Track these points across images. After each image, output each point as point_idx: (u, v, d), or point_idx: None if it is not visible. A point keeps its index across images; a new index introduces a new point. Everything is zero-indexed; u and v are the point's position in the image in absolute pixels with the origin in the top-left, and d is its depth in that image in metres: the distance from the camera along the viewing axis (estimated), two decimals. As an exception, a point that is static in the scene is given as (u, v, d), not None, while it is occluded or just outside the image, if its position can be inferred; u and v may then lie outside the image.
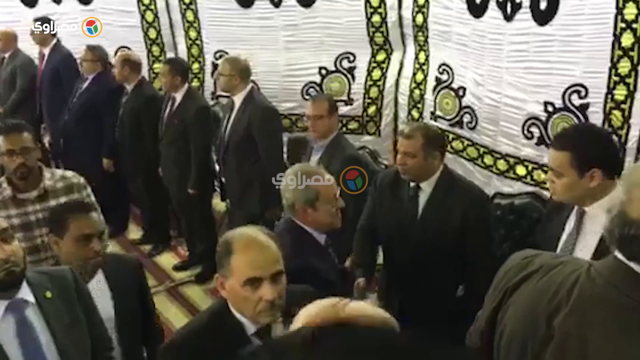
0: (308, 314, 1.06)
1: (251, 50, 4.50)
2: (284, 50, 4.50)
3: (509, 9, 3.39)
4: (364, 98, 4.46)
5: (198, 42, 4.83)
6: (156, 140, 4.26)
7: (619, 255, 1.13)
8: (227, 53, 4.65)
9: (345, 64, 4.43)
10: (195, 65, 4.90)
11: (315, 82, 4.52)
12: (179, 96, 4.11)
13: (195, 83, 4.87)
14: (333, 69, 4.46)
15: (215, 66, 4.78)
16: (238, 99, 3.75)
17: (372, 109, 4.43)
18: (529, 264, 1.37)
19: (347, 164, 3.00)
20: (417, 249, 2.52)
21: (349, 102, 4.49)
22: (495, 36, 3.54)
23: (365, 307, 1.04)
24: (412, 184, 2.66)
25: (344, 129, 4.47)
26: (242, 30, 4.56)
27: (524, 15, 3.32)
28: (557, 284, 1.26)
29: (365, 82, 4.43)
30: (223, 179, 3.99)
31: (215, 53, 4.78)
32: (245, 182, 3.77)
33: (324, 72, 4.48)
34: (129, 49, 4.76)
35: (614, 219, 1.12)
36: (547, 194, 3.00)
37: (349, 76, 4.45)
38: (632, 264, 1.10)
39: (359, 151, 3.90)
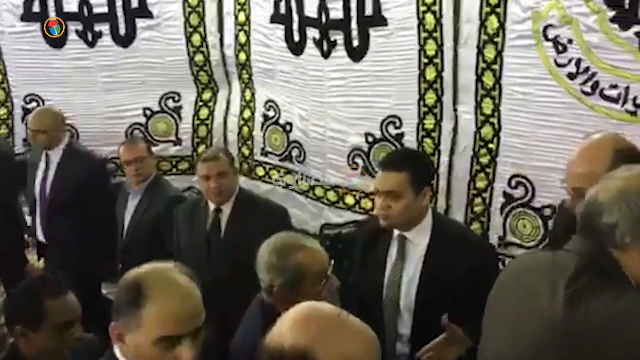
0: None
1: (66, 92, 4.24)
2: (103, 92, 4.27)
3: (325, 47, 3.55)
4: (193, 138, 4.37)
5: (4, 85, 4.42)
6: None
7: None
8: (39, 97, 4.32)
9: (171, 103, 4.32)
10: (3, 111, 4.47)
11: (140, 124, 4.34)
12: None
13: (3, 130, 4.43)
14: (158, 109, 4.32)
15: (26, 111, 4.40)
16: (57, 153, 3.45)
17: (201, 149, 4.34)
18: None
19: (172, 206, 2.90)
20: (225, 266, 2.47)
21: (177, 142, 4.37)
22: (316, 72, 3.67)
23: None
24: (212, 207, 2.64)
25: (174, 169, 4.35)
26: (55, 72, 4.26)
27: (340, 52, 3.49)
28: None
29: (193, 122, 4.35)
30: (41, 238, 3.62)
31: (26, 97, 4.40)
32: (77, 241, 3.45)
33: (148, 112, 4.32)
34: None
35: (587, 198, 1.29)
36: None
37: (176, 116, 4.34)
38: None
39: (185, 192, 3.79)
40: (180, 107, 4.33)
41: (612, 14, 2.52)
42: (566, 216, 1.97)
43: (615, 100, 2.61)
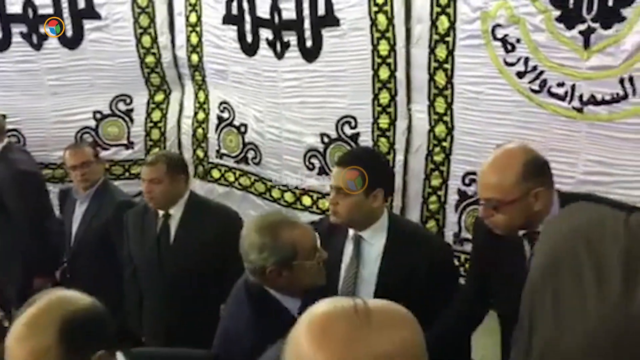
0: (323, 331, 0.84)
1: (11, 97, 4.10)
2: (51, 96, 4.14)
3: (278, 48, 3.53)
4: (146, 141, 4.29)
5: (-54, 90, 4.24)
6: None
7: None
8: (-18, 101, 4.16)
9: (122, 106, 4.22)
10: (-56, 117, 4.29)
11: (90, 127, 4.23)
12: None
13: (-56, 137, 4.25)
14: (109, 112, 4.22)
15: (-32, 116, 4.23)
16: (-10, 159, 3.32)
17: (155, 152, 4.27)
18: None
19: (121, 211, 2.82)
20: (174, 273, 2.43)
21: (129, 145, 4.28)
22: (270, 73, 3.65)
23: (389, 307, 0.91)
24: (161, 212, 2.59)
25: (127, 173, 4.26)
26: (-1, 76, 4.12)
27: (293, 53, 3.48)
28: None
29: (146, 124, 4.26)
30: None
31: (-31, 102, 4.23)
32: (5, 253, 3.30)
33: (98, 116, 4.21)
34: None
35: None
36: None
37: (127, 119, 4.25)
38: None
39: (137, 197, 3.71)
40: (131, 110, 4.24)
41: (557, 13, 2.58)
42: (483, 228, 1.96)
43: (562, 98, 2.68)
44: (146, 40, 4.05)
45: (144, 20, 4.01)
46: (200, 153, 4.21)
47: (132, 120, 4.25)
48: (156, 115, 4.27)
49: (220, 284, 2.44)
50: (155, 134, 4.29)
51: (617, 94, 2.53)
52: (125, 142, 4.27)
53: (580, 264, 1.07)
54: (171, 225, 2.52)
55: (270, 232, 1.74)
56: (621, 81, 2.50)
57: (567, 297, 1.09)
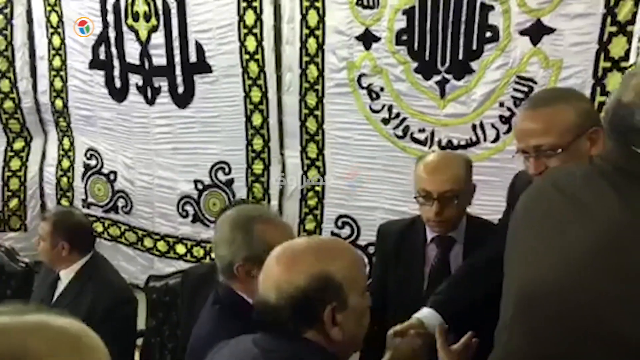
0: None
1: None
2: None
3: (149, 93, 3.46)
4: (3, 191, 3.98)
5: None
6: None
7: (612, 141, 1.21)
8: None
9: (-25, 155, 3.91)
10: None
11: (-63, 178, 3.86)
12: None
13: None
14: (-40, 161, 3.89)
15: None
16: None
17: (14, 203, 3.98)
18: None
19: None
20: None
21: (-16, 197, 3.95)
22: (140, 119, 3.57)
23: None
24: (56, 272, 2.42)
25: (-19, 228, 3.92)
26: None
27: (165, 99, 3.43)
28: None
29: (3, 174, 3.96)
30: None
31: None
32: None
33: (-53, 165, 3.87)
34: None
35: (610, 105, 1.21)
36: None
37: (-18, 168, 3.93)
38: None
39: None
40: (-14, 159, 3.93)
41: (415, 65, 2.78)
42: (390, 231, 2.06)
43: (423, 142, 2.85)
44: (5, 84, 3.82)
45: (2, 64, 3.78)
46: (65, 202, 3.97)
47: (-13, 169, 3.94)
48: (15, 163, 3.99)
49: None
50: (15, 183, 4.00)
51: (471, 139, 2.75)
52: (-22, 193, 3.94)
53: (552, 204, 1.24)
54: (57, 290, 2.33)
55: (244, 226, 1.60)
56: (473, 127, 2.73)
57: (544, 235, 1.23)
